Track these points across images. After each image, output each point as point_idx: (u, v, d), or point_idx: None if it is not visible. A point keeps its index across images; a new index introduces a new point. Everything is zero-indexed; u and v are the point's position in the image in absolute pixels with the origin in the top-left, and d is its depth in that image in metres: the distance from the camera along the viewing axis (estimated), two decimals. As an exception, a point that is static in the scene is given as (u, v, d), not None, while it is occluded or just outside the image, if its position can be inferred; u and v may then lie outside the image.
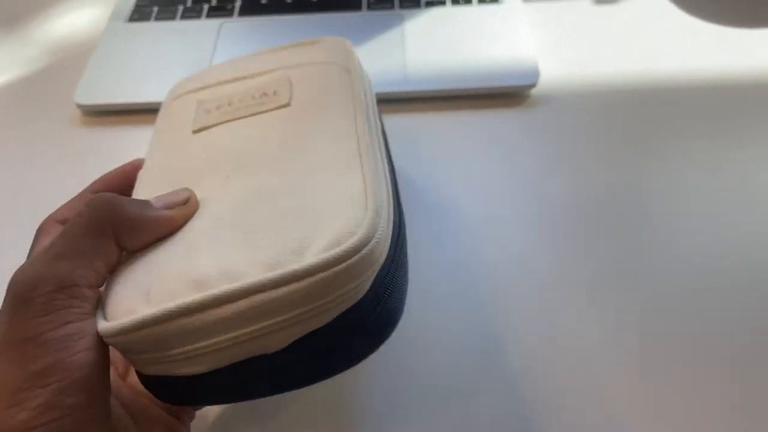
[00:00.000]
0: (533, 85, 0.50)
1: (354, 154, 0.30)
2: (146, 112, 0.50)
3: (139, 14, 0.58)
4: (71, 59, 0.56)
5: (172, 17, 0.57)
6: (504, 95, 0.51)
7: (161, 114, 0.37)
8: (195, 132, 0.33)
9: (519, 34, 0.53)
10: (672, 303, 0.38)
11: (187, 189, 0.29)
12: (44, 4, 0.62)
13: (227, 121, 0.33)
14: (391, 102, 0.50)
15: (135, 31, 0.57)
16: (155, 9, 0.58)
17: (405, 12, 0.56)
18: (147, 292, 0.25)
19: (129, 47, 0.55)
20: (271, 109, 0.33)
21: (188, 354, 0.25)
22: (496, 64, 0.51)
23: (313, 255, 0.25)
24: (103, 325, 0.24)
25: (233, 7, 0.58)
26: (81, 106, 0.51)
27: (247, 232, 0.26)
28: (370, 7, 0.57)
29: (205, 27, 0.56)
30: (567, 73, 0.52)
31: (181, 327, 0.24)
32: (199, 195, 0.29)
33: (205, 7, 0.58)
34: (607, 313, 0.38)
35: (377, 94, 0.50)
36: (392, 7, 0.57)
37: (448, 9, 0.56)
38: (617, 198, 0.44)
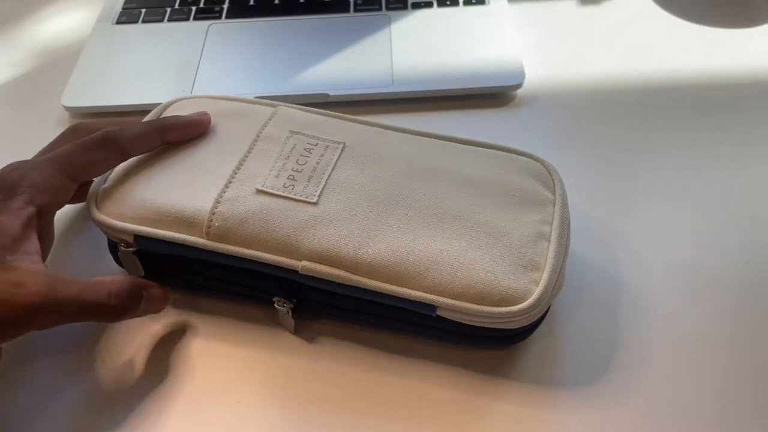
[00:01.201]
0: (519, 86, 0.51)
1: None
2: (133, 114, 0.51)
3: (126, 16, 0.58)
4: (58, 62, 0.56)
5: (160, 19, 0.58)
6: (490, 96, 0.51)
7: None
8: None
9: (504, 36, 0.54)
10: (653, 303, 0.39)
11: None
12: (31, 6, 0.62)
13: (331, 172, 0.37)
14: (377, 104, 0.50)
15: (122, 33, 0.57)
16: (143, 11, 0.58)
17: (392, 14, 0.57)
18: (531, 268, 0.34)
19: (116, 49, 0.55)
20: (343, 152, 0.38)
21: None
22: (482, 65, 0.52)
23: None
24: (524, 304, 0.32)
25: (221, 9, 0.58)
26: (68, 109, 0.51)
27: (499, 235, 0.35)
28: (357, 8, 0.57)
29: (193, 29, 0.56)
30: (552, 73, 0.53)
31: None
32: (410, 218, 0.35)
33: (193, 9, 0.58)
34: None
35: (364, 96, 0.50)
36: (379, 8, 0.57)
37: (435, 10, 0.57)
38: (602, 198, 0.44)
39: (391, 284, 0.33)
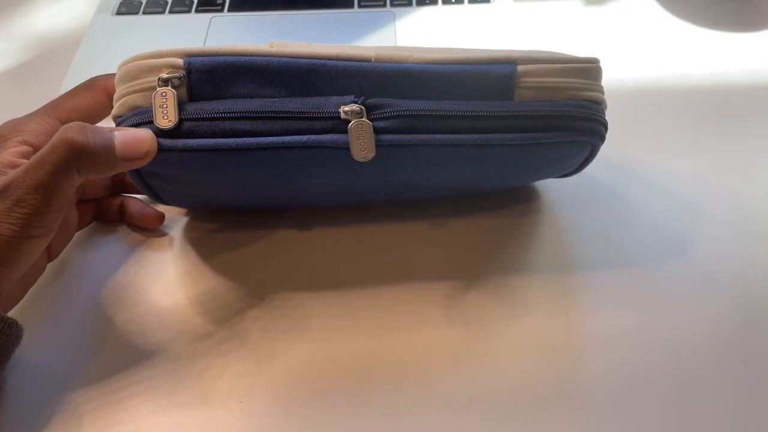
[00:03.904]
0: (524, 86, 0.51)
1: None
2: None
3: (126, 7, 0.57)
4: (57, 52, 0.55)
5: (161, 11, 0.57)
6: (495, 96, 0.51)
7: None
8: None
9: (509, 35, 0.54)
10: (657, 309, 0.39)
11: (152, 138, 0.32)
12: (28, -6, 0.61)
13: None
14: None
15: (122, 25, 0.56)
16: (143, 2, 0.57)
17: (396, 10, 0.56)
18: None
19: (116, 41, 0.54)
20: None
21: None
22: (487, 64, 0.51)
23: None
24: None
25: (223, 2, 0.57)
26: (67, 100, 0.50)
27: None
28: (361, 4, 0.57)
29: (195, 21, 0.56)
30: (557, 74, 0.53)
31: None
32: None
33: (195, 0, 0.57)
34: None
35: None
36: (384, 5, 0.57)
37: (439, 8, 0.56)
38: (603, 201, 0.44)
39: (469, 54, 0.34)
